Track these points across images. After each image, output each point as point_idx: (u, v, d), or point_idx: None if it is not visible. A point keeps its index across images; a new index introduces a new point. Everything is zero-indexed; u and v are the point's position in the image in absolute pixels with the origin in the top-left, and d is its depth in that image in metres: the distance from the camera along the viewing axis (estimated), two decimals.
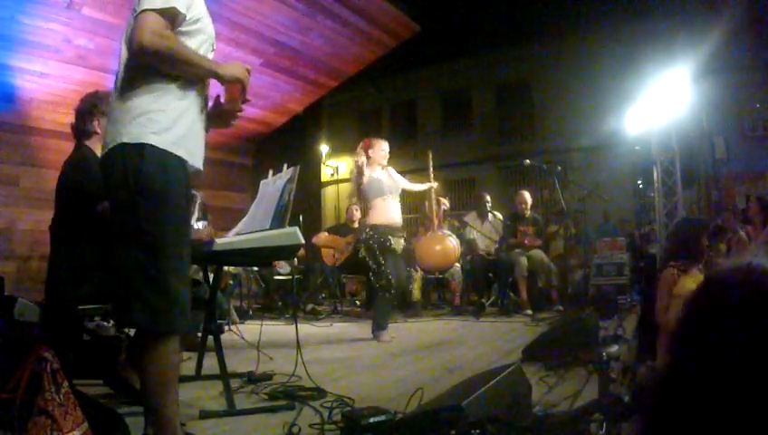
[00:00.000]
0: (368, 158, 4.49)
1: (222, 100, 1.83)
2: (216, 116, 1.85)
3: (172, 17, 1.59)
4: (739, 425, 0.48)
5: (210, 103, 1.85)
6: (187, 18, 1.65)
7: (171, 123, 1.61)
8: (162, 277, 1.56)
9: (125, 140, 1.56)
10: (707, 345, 0.52)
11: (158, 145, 1.57)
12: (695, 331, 0.54)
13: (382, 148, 4.51)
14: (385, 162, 4.53)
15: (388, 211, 4.40)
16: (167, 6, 1.55)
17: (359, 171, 4.44)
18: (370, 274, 4.45)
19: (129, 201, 1.55)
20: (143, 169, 1.55)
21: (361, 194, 4.45)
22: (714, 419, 0.49)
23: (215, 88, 1.83)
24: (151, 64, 1.58)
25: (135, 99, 1.59)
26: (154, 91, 1.60)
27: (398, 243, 4.41)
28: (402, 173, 4.77)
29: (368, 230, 4.38)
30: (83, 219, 2.48)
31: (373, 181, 4.40)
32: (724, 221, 7.05)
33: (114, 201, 1.62)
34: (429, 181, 4.98)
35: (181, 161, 1.63)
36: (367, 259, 4.38)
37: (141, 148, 1.56)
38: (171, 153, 1.60)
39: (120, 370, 2.29)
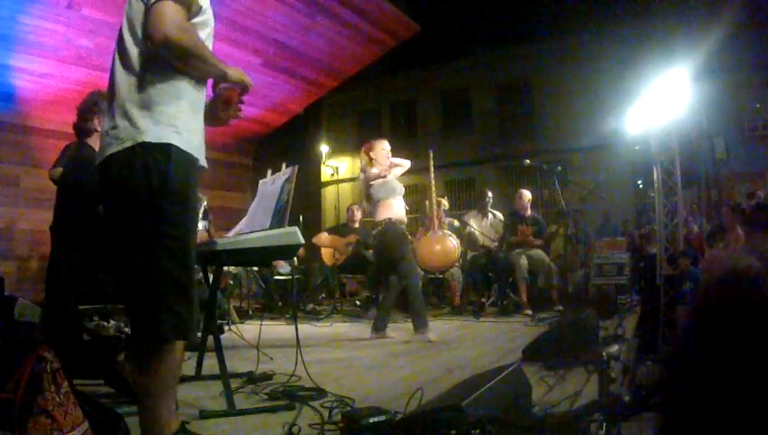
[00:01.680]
0: (370, 160, 4.51)
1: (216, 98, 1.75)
2: (211, 115, 1.77)
3: (188, 8, 1.50)
4: (746, 423, 0.48)
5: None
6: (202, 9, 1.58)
7: (190, 122, 1.55)
8: (189, 286, 1.51)
9: (146, 139, 1.47)
10: (711, 346, 0.51)
11: (180, 146, 1.50)
12: (698, 331, 0.54)
13: (383, 147, 4.53)
14: (388, 161, 4.55)
15: (398, 210, 4.45)
16: None
17: (372, 176, 4.42)
18: (393, 269, 4.43)
19: (153, 204, 1.46)
20: (169, 171, 1.46)
21: (373, 194, 4.43)
22: (720, 415, 0.49)
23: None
24: (167, 58, 1.49)
25: (154, 94, 1.50)
26: (174, 88, 1.52)
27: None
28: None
29: (385, 222, 4.36)
30: (83, 219, 2.48)
31: (388, 182, 4.44)
32: (723, 219, 7.05)
33: (130, 204, 1.49)
34: (431, 182, 4.99)
35: (195, 161, 1.58)
36: (384, 253, 4.42)
37: (167, 149, 1.48)
38: (190, 154, 1.54)
39: (120, 369, 2.29)
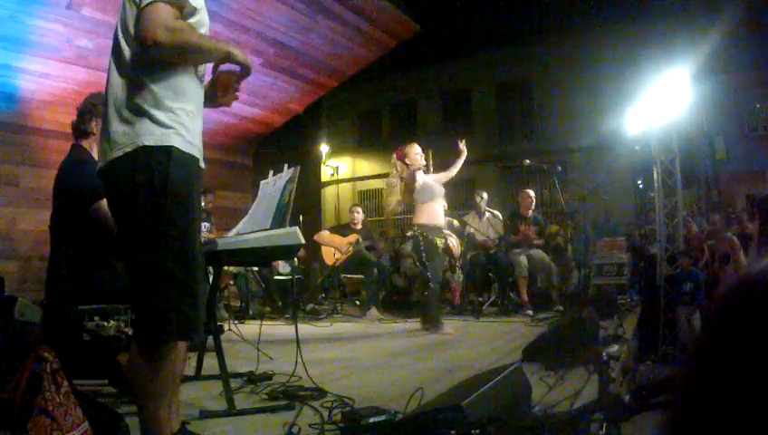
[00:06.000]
0: (406, 165, 4.68)
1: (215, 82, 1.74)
2: (210, 98, 1.76)
3: (181, 8, 1.51)
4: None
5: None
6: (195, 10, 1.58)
7: (190, 123, 1.55)
8: (194, 285, 1.51)
9: (147, 142, 1.47)
10: (740, 351, 0.51)
11: (180, 147, 1.51)
12: (727, 333, 0.53)
13: (416, 151, 4.71)
14: (424, 162, 4.78)
15: (436, 214, 4.69)
16: None
17: (411, 178, 4.63)
18: (417, 267, 4.81)
19: (154, 205, 1.46)
20: (170, 172, 1.47)
21: (416, 197, 4.68)
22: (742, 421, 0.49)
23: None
24: (165, 59, 1.50)
25: (152, 97, 1.49)
26: (172, 90, 1.52)
27: (441, 242, 4.70)
28: None
29: (416, 229, 4.66)
30: (81, 220, 2.48)
31: (426, 186, 4.68)
32: (712, 225, 7.05)
33: (132, 205, 1.49)
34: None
35: (197, 161, 1.59)
36: (413, 256, 4.82)
37: (168, 150, 1.48)
38: (192, 155, 1.55)
39: (124, 369, 2.29)
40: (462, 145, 5.00)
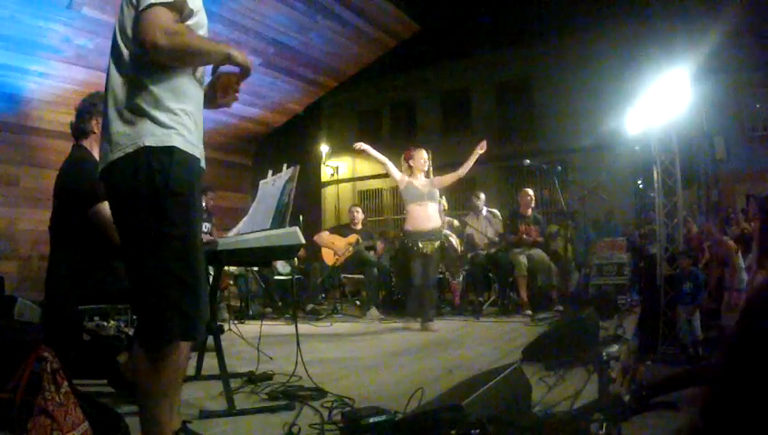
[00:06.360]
0: (410, 167, 4.96)
1: (215, 84, 1.74)
2: (209, 100, 1.76)
3: (180, 11, 1.51)
4: None
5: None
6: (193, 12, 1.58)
7: (192, 124, 1.55)
8: (196, 285, 1.51)
9: (148, 143, 1.47)
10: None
11: (182, 147, 1.51)
12: (760, 330, 0.53)
13: (422, 157, 5.01)
14: (426, 168, 5.01)
15: (421, 217, 4.80)
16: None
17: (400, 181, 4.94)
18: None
19: (156, 205, 1.46)
20: (172, 172, 1.47)
21: (403, 198, 4.97)
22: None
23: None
24: (165, 62, 1.50)
25: (152, 98, 1.49)
26: (171, 91, 1.52)
27: (429, 246, 4.75)
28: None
29: (402, 234, 4.96)
30: (81, 220, 2.47)
31: (410, 187, 4.85)
32: (707, 232, 7.03)
33: (133, 206, 1.49)
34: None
35: (198, 161, 1.59)
36: (399, 260, 5.07)
37: (170, 151, 1.48)
38: (193, 155, 1.55)
39: (124, 369, 2.29)
40: (482, 146, 5.24)
